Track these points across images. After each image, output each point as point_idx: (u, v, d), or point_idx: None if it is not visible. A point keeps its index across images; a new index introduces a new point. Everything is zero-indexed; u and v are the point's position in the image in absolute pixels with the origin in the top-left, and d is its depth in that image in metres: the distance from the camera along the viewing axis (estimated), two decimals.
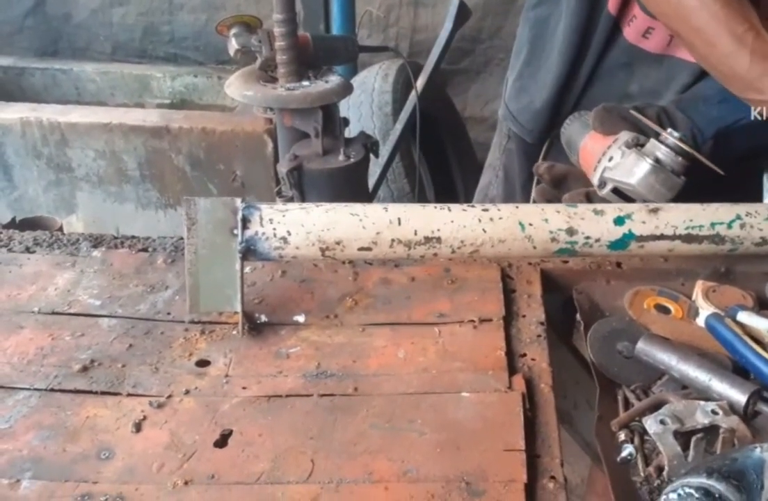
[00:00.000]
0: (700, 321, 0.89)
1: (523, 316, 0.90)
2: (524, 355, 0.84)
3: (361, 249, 0.86)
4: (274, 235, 0.85)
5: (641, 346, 0.82)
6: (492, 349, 0.84)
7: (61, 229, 1.13)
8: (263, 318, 0.90)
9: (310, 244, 0.85)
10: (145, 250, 1.04)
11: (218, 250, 0.85)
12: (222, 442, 0.74)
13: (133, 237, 1.07)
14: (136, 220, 2.62)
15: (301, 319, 0.91)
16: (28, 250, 1.04)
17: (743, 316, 0.86)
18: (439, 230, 0.86)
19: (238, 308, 0.87)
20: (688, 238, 0.89)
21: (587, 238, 0.88)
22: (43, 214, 1.19)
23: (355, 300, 0.93)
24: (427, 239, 0.86)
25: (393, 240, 0.86)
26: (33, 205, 2.64)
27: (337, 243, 0.85)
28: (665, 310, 0.92)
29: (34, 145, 2.52)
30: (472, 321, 0.89)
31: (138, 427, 0.75)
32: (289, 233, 0.85)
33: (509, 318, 0.90)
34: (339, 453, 0.72)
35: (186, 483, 0.69)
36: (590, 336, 0.87)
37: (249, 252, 0.85)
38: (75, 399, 0.79)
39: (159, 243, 1.05)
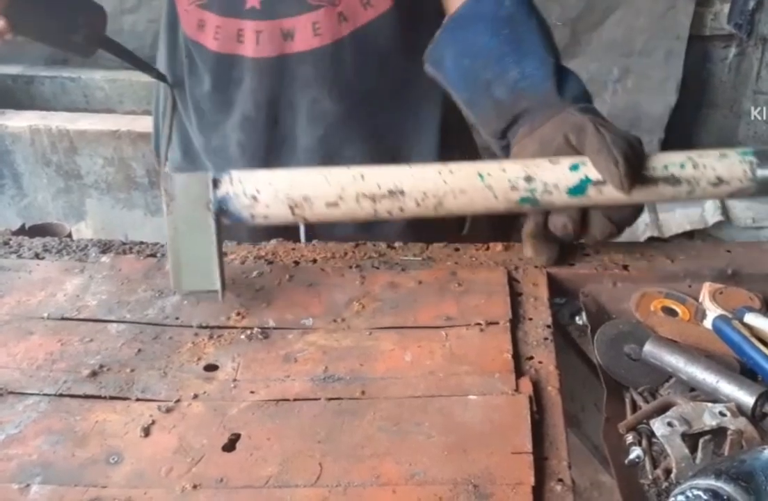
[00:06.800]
0: (708, 323, 0.88)
1: (530, 319, 0.90)
2: (531, 357, 0.84)
3: (328, 205, 0.89)
4: (244, 194, 0.88)
5: (648, 348, 0.82)
6: (499, 352, 0.84)
7: (70, 235, 1.14)
8: (271, 322, 0.91)
9: (279, 202, 0.89)
10: (153, 255, 1.04)
11: (196, 225, 0.88)
12: (230, 446, 0.74)
13: (142, 243, 1.08)
14: (144, 226, 2.64)
15: (308, 322, 0.91)
16: (37, 256, 1.05)
17: (750, 318, 0.85)
18: (401, 182, 0.89)
19: (218, 286, 0.89)
20: (643, 180, 0.89)
21: (545, 184, 0.89)
22: (52, 220, 1.19)
23: (362, 304, 0.94)
24: (391, 192, 0.89)
25: (358, 194, 0.89)
26: (42, 212, 2.66)
27: (305, 199, 0.89)
28: (672, 313, 0.92)
29: (43, 153, 2.55)
30: (479, 324, 0.89)
31: (147, 432, 0.76)
32: (258, 191, 0.88)
33: (516, 321, 0.90)
34: (347, 456, 0.72)
35: (194, 487, 0.69)
36: (597, 339, 0.87)
37: (222, 213, 0.89)
38: (84, 404, 0.79)
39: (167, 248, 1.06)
